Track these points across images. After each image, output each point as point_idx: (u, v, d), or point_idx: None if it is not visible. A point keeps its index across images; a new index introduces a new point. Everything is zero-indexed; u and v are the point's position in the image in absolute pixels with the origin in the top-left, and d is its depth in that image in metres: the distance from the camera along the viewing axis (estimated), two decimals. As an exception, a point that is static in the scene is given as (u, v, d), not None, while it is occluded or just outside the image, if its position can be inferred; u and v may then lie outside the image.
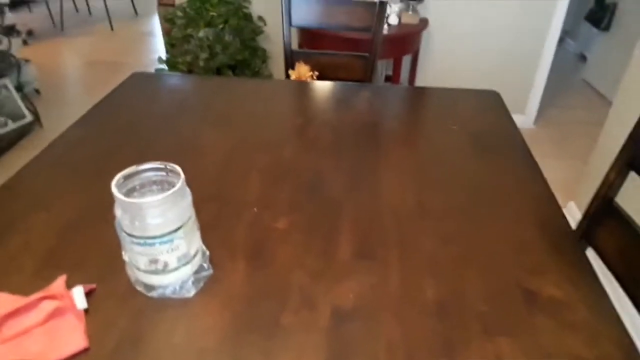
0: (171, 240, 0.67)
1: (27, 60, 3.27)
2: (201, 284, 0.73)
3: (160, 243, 0.66)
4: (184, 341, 0.65)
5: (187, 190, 0.69)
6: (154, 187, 0.71)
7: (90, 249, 0.80)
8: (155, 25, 4.97)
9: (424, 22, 2.75)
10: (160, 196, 0.63)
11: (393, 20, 2.63)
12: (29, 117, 2.91)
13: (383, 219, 0.87)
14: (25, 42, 4.09)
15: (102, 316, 0.68)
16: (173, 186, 0.69)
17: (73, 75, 3.99)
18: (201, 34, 2.56)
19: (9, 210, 0.89)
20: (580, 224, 1.00)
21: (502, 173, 1.02)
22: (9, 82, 2.86)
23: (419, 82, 3.01)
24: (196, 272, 0.73)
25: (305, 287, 0.72)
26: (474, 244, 0.82)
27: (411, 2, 2.70)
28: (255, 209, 0.89)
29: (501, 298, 0.71)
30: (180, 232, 0.67)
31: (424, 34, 2.81)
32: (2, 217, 0.87)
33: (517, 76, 2.92)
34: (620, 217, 0.93)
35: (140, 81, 1.45)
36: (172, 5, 3.14)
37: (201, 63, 2.59)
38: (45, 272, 0.75)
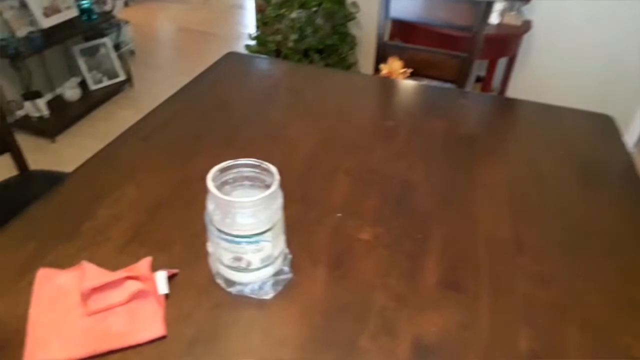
0: (257, 242, 0.65)
1: (126, 22, 3.43)
2: (280, 287, 0.71)
3: (247, 243, 0.64)
4: (260, 347, 0.63)
5: (280, 192, 0.66)
6: (246, 183, 0.70)
7: (176, 231, 0.81)
8: (247, -2, 5.04)
9: (526, 25, 2.56)
10: (255, 197, 0.62)
11: (494, 19, 2.47)
12: (122, 76, 3.05)
13: (475, 247, 0.81)
14: (126, 4, 4.29)
15: (181, 305, 0.68)
16: (265, 184, 0.68)
17: (165, 40, 4.14)
18: (294, 14, 2.54)
19: (101, 181, 0.92)
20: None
21: (614, 212, 0.92)
22: (108, 41, 3.02)
23: (512, 87, 2.83)
24: (276, 274, 0.71)
25: (387, 311, 0.68)
26: (575, 293, 0.74)
27: (516, 2, 2.52)
28: (339, 215, 0.86)
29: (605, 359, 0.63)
30: (268, 234, 0.65)
31: (526, 37, 2.62)
32: (94, 188, 0.90)
33: (622, 92, 2.66)
34: None
35: (234, 61, 1.46)
36: (268, -19, 3.15)
37: (290, 44, 2.58)
38: (131, 248, 0.77)
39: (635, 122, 2.73)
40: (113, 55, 3.02)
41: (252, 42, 2.77)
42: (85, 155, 0.98)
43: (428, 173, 1.00)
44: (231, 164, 0.68)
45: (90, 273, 0.69)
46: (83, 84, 2.88)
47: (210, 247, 0.71)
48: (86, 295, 0.67)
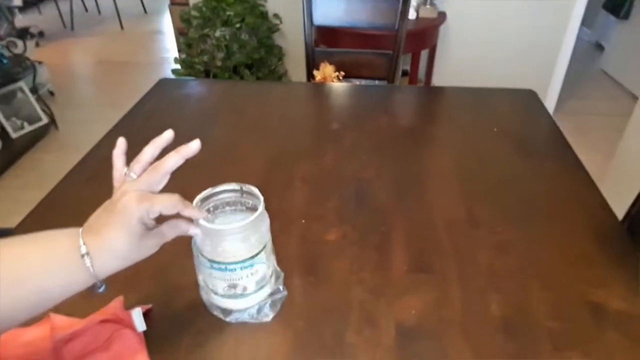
0: (252, 265, 0.65)
1: (40, 62, 3.26)
2: (278, 307, 0.70)
3: (242, 268, 0.64)
4: (250, 364, 0.63)
5: (266, 212, 0.67)
6: (227, 209, 0.69)
7: (141, 267, 0.79)
8: (165, 23, 4.96)
9: (442, 16, 2.71)
10: (245, 221, 0.61)
11: (411, 14, 2.59)
12: (44, 120, 2.91)
13: (435, 230, 0.85)
14: (37, 44, 4.08)
15: (163, 338, 0.67)
16: (247, 206, 0.68)
17: (85, 75, 3.98)
18: (218, 33, 2.53)
19: (51, 227, 0.88)
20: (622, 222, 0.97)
21: (551, 178, 1.00)
22: (24, 85, 2.86)
23: (437, 76, 2.98)
24: (272, 294, 0.71)
25: (366, 303, 0.71)
26: (531, 255, 0.80)
27: (428, -5, 2.66)
28: (303, 221, 0.87)
29: (568, 313, 0.69)
30: (261, 255, 0.65)
31: (442, 28, 2.77)
32: (48, 234, 0.86)
33: (535, 68, 2.88)
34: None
35: (168, 88, 1.44)
36: (186, 4, 3.12)
37: (218, 63, 2.57)
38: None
39: (550, 94, 2.96)
40: (31, 98, 2.87)
41: (178, 66, 2.74)
42: (16, 209, 0.93)
43: (380, 168, 1.04)
44: (211, 192, 0.67)
45: (60, 324, 0.66)
46: (3, 133, 2.71)
47: (200, 280, 0.70)
48: (59, 348, 0.64)
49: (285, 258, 0.77)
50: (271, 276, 0.70)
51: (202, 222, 0.61)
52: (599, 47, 4.02)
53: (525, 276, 0.76)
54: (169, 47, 4.37)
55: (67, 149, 2.81)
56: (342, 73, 1.69)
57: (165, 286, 0.74)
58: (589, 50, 4.09)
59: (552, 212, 0.90)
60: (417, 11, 2.63)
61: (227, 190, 0.67)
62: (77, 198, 0.96)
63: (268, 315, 0.69)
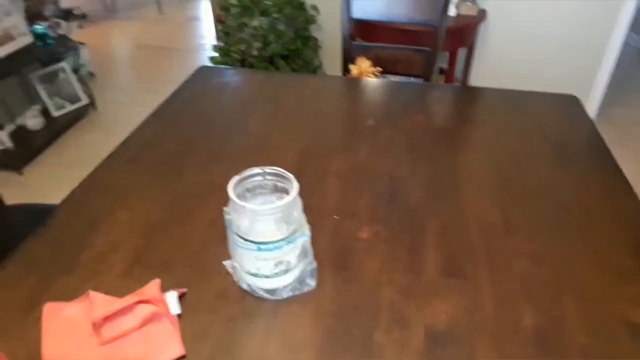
0: (294, 240, 0.68)
1: (82, 44, 3.35)
2: (316, 274, 0.74)
3: (287, 242, 0.67)
4: (279, 354, 0.64)
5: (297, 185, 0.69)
6: (258, 192, 0.71)
7: (176, 251, 0.81)
8: (203, 9, 5.00)
9: (482, 14, 2.65)
10: (289, 198, 0.65)
11: (451, 11, 2.54)
12: (84, 100, 2.99)
13: (469, 234, 0.84)
14: (80, 26, 4.19)
15: (194, 323, 0.69)
16: (276, 189, 0.70)
17: (125, 58, 4.07)
18: (255, 22, 2.55)
19: (92, 209, 0.91)
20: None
21: (591, 188, 0.97)
22: (67, 65, 2.94)
23: (474, 76, 2.92)
24: (309, 264, 0.74)
25: (396, 304, 0.71)
26: (567, 267, 0.78)
27: (470, -8, 2.60)
28: (336, 217, 0.88)
29: (604, 330, 0.67)
30: (301, 228, 0.68)
31: (482, 26, 2.71)
32: (86, 216, 0.89)
33: (577, 72, 2.79)
34: None
35: (207, 76, 1.46)
36: (225, -9, 3.14)
37: (255, 52, 2.58)
38: (134, 273, 0.77)
39: (592, 100, 2.87)
40: (73, 79, 2.95)
41: (215, 54, 2.76)
42: (57, 185, 0.96)
43: (414, 167, 1.03)
44: (248, 173, 0.70)
45: (99, 302, 0.69)
46: (45, 112, 2.80)
47: (241, 267, 0.71)
48: (98, 325, 0.66)
49: (318, 253, 0.78)
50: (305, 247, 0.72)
51: (247, 205, 0.63)
52: (646, 53, 3.86)
53: (560, 288, 0.74)
54: (206, 34, 4.41)
55: (106, 129, 2.88)
56: (379, 69, 1.68)
57: (200, 271, 0.76)
58: (636, 56, 3.93)
59: (590, 223, 0.88)
60: (458, 8, 2.58)
61: (257, 173, 0.70)
62: (118, 179, 0.99)
63: (311, 285, 0.72)
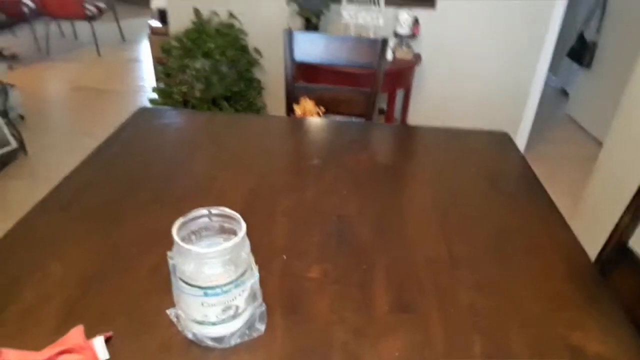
0: (243, 282, 0.66)
1: (12, 85, 3.20)
2: (265, 318, 0.71)
3: (236, 286, 0.65)
4: (228, 407, 0.61)
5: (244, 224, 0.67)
6: (204, 234, 0.69)
7: (114, 302, 0.76)
8: (142, 51, 4.95)
9: (417, 58, 2.81)
10: (237, 238, 0.63)
11: (388, 55, 2.67)
12: (13, 144, 2.82)
13: (416, 268, 0.86)
14: (10, 67, 4.01)
15: (135, 378, 0.64)
16: (223, 230, 0.68)
17: (59, 101, 3.91)
18: (198, 64, 2.55)
19: (22, 259, 0.84)
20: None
21: (526, 218, 1.02)
22: (-6, 108, 2.79)
23: (411, 115, 3.05)
24: (258, 307, 0.72)
25: (349, 345, 0.70)
26: (509, 294, 0.81)
27: (405, 38, 2.76)
28: (284, 257, 0.86)
29: (548, 354, 0.70)
30: (249, 271, 0.67)
31: (417, 69, 2.87)
32: (12, 269, 0.82)
33: (505, 111, 2.99)
34: (635, 261, 0.94)
35: (147, 117, 1.42)
36: (165, 34, 3.14)
37: (197, 93, 2.57)
38: (66, 328, 0.70)
39: (520, 137, 3.07)
40: (1, 121, 2.79)
41: (155, 95, 2.72)
42: None
43: (360, 205, 1.04)
44: (193, 215, 0.68)
45: (13, 358, 0.63)
46: (-32, 157, 2.61)
47: (184, 316, 0.68)
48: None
49: (266, 295, 0.76)
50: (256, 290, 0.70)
51: (193, 248, 0.60)
52: (565, 93, 4.22)
53: (505, 315, 0.76)
54: (146, 76, 4.35)
55: (36, 175, 2.72)
56: (323, 109, 1.72)
57: (140, 322, 0.71)
58: (555, 95, 4.29)
59: (528, 251, 0.92)
60: (395, 52, 2.72)
61: (202, 215, 0.68)
62: (49, 228, 0.92)
63: (260, 330, 0.70)
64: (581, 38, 3.55)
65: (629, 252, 0.97)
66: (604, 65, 3.38)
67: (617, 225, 1.00)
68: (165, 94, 2.67)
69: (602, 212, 1.86)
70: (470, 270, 0.86)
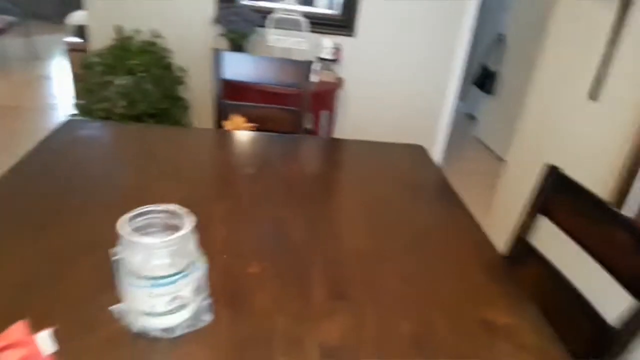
0: (188, 274, 0.68)
1: None
2: (212, 310, 0.74)
3: (183, 276, 0.67)
4: (178, 393, 0.63)
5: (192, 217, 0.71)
6: (149, 230, 0.71)
7: (54, 304, 0.75)
8: (53, 68, 4.71)
9: (339, 81, 2.97)
10: (183, 231, 0.66)
11: (313, 77, 2.80)
12: None
13: (349, 262, 0.93)
14: None
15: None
16: (162, 226, 0.71)
17: (-41, 118, 3.59)
18: (119, 81, 2.49)
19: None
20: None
21: (443, 220, 1.15)
22: None
23: (336, 135, 3.20)
24: (204, 299, 0.75)
25: (290, 329, 0.75)
26: (431, 284, 0.91)
27: (328, 62, 2.91)
28: (225, 256, 0.90)
29: (466, 328, 0.80)
30: (196, 262, 0.69)
31: (340, 91, 3.02)
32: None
33: (421, 133, 3.24)
34: (534, 252, 1.10)
35: (75, 128, 1.39)
36: (84, 51, 3.04)
37: (120, 110, 2.51)
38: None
39: (436, 153, 3.32)
40: None
41: (75, 112, 2.61)
42: None
43: (293, 209, 1.10)
44: (139, 211, 0.71)
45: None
46: None
47: (131, 309, 0.69)
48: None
49: (211, 289, 0.79)
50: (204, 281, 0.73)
51: (142, 239, 0.63)
52: (471, 117, 4.63)
53: (428, 300, 0.86)
54: (57, 93, 4.13)
55: None
56: (253, 125, 1.77)
57: (83, 322, 0.71)
58: (464, 120, 4.69)
59: (446, 248, 1.04)
60: (319, 74, 2.85)
61: (148, 211, 0.72)
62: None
63: (206, 320, 0.72)
64: (484, 68, 3.94)
65: (529, 246, 1.13)
66: (505, 92, 3.78)
67: (518, 224, 1.16)
68: (85, 111, 2.57)
69: (507, 216, 2.09)
70: (395, 263, 0.95)
